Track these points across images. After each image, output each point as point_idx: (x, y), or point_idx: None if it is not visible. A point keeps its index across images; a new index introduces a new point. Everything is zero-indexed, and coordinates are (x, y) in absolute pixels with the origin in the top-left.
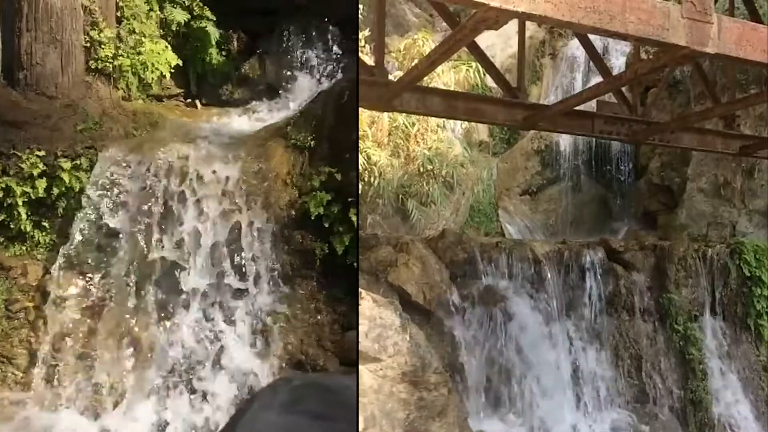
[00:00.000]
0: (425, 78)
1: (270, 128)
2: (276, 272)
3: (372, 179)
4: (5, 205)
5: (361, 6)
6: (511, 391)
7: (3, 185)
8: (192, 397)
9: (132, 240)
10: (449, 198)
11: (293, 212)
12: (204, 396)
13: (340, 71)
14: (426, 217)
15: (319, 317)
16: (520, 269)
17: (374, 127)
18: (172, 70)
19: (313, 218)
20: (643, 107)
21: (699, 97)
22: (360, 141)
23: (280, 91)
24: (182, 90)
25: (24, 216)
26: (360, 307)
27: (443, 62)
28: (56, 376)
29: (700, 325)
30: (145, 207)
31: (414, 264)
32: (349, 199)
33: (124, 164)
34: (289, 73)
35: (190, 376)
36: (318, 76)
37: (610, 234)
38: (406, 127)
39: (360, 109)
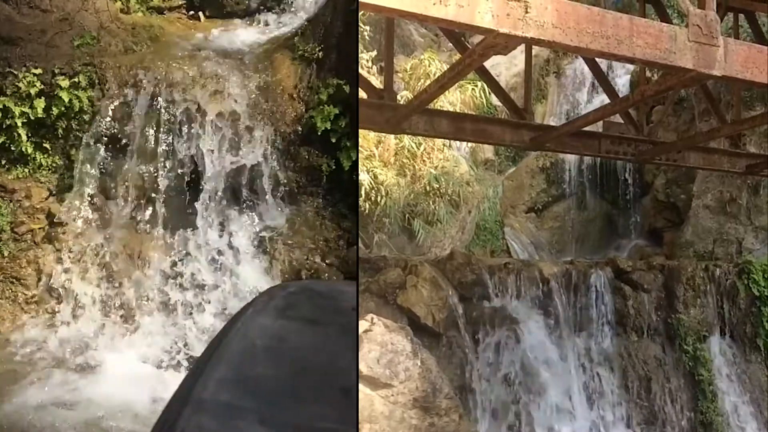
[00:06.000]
0: None
1: (276, 39)
2: (282, 189)
3: (379, 198)
4: (4, 126)
5: (368, 27)
6: (521, 413)
7: (1, 106)
8: (198, 310)
9: (137, 157)
10: (455, 216)
11: (299, 128)
12: (208, 310)
13: None
14: (432, 236)
15: (324, 233)
16: (529, 290)
17: (380, 146)
18: None
19: (320, 133)
20: (649, 126)
21: (704, 113)
22: (367, 161)
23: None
24: (184, 1)
25: (24, 137)
26: (371, 333)
27: (452, 86)
28: (66, 293)
29: (709, 345)
30: (150, 124)
31: (423, 286)
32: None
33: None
34: None
35: (197, 291)
36: None
37: (616, 251)
38: (413, 146)
39: (367, 129)
